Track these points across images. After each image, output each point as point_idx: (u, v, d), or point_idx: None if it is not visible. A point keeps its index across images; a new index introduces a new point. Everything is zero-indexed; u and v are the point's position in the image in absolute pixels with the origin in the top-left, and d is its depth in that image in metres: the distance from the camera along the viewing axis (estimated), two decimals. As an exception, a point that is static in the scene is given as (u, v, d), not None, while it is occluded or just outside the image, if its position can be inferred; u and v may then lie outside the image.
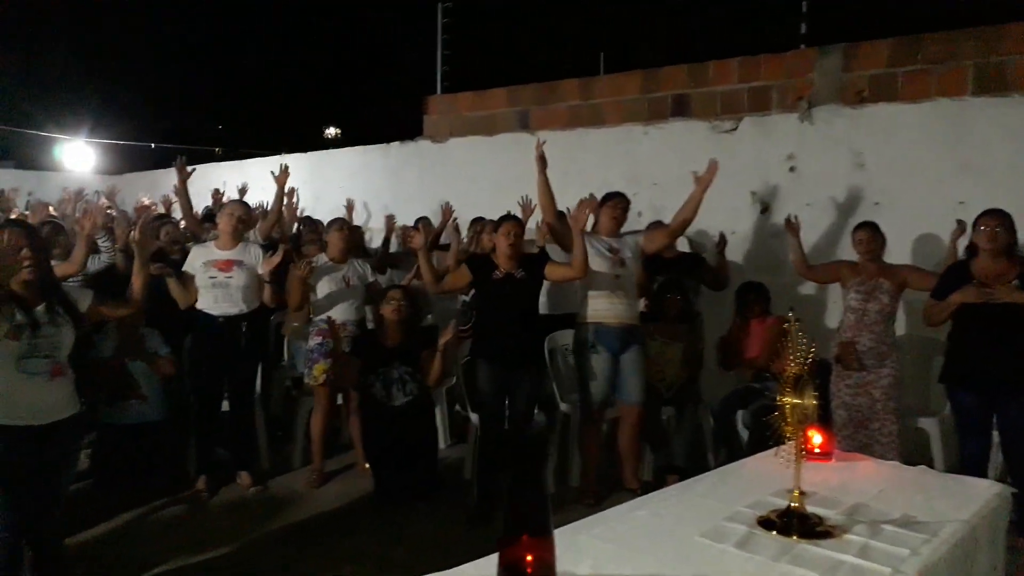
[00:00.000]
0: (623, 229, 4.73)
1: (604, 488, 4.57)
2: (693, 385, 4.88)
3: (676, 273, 5.02)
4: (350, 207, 7.74)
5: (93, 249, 5.48)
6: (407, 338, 4.61)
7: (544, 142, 4.47)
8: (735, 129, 5.85)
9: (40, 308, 2.96)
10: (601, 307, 4.43)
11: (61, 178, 12.68)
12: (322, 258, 4.92)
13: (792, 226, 4.80)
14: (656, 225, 5.03)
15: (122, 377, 4.62)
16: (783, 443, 2.00)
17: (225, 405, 4.78)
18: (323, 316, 4.78)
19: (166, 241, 5.42)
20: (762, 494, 2.10)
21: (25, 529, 2.98)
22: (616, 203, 4.60)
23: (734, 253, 5.62)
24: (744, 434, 4.64)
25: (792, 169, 5.57)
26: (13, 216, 6.71)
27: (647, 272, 4.90)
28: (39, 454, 2.92)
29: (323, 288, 4.80)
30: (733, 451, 4.61)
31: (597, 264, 4.40)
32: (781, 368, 4.51)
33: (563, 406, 4.88)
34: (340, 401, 5.12)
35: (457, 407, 5.03)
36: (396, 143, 8.31)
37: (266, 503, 4.53)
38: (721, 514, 1.99)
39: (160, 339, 4.76)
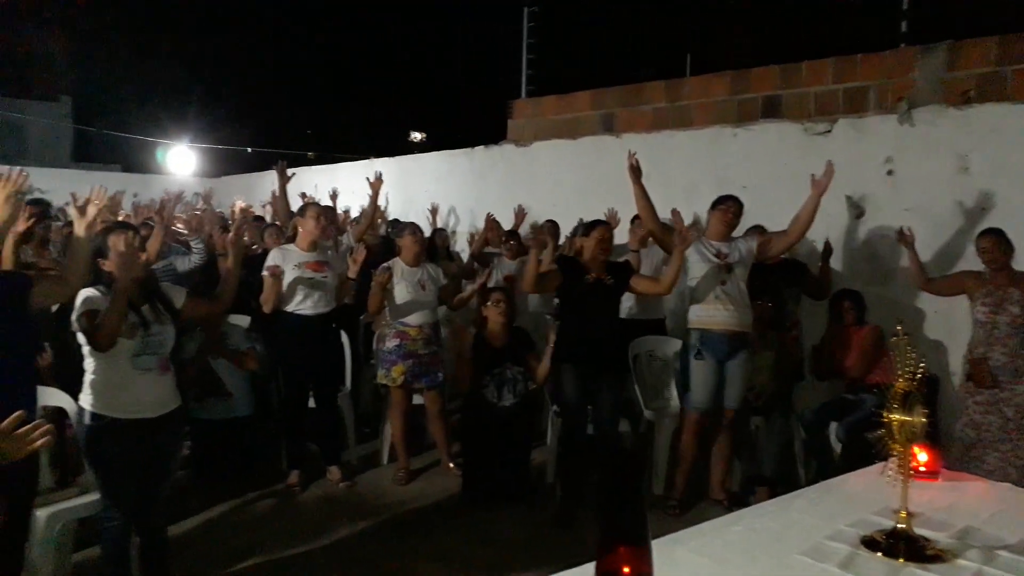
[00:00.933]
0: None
1: (688, 497, 4.50)
2: (784, 394, 4.75)
3: (776, 280, 4.88)
4: (434, 211, 7.88)
5: (186, 248, 5.75)
6: (513, 339, 4.66)
7: (635, 153, 4.45)
8: (829, 131, 5.65)
9: (146, 307, 3.12)
10: (707, 313, 4.37)
11: (164, 181, 13.33)
12: (397, 261, 5.00)
13: (906, 238, 4.59)
14: (756, 230, 4.90)
15: (207, 376, 4.80)
16: (884, 459, 1.93)
17: (312, 402, 4.93)
18: (400, 318, 4.88)
19: (271, 243, 5.60)
20: (864, 513, 2.03)
21: (135, 517, 3.15)
22: (728, 207, 4.48)
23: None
24: (837, 447, 4.49)
25: (890, 173, 5.35)
26: (120, 218, 7.09)
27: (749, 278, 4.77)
28: (149, 445, 3.09)
29: (399, 292, 4.88)
30: (825, 464, 4.47)
31: (702, 269, 4.35)
32: (877, 380, 4.36)
33: (647, 413, 4.83)
34: (422, 401, 5.21)
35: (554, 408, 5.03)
36: (480, 147, 8.39)
37: (355, 499, 4.64)
38: (821, 532, 1.93)
39: (243, 335, 4.92)
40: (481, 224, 7.31)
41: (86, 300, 2.98)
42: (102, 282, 3.01)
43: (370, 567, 3.81)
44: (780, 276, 4.97)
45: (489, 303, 4.66)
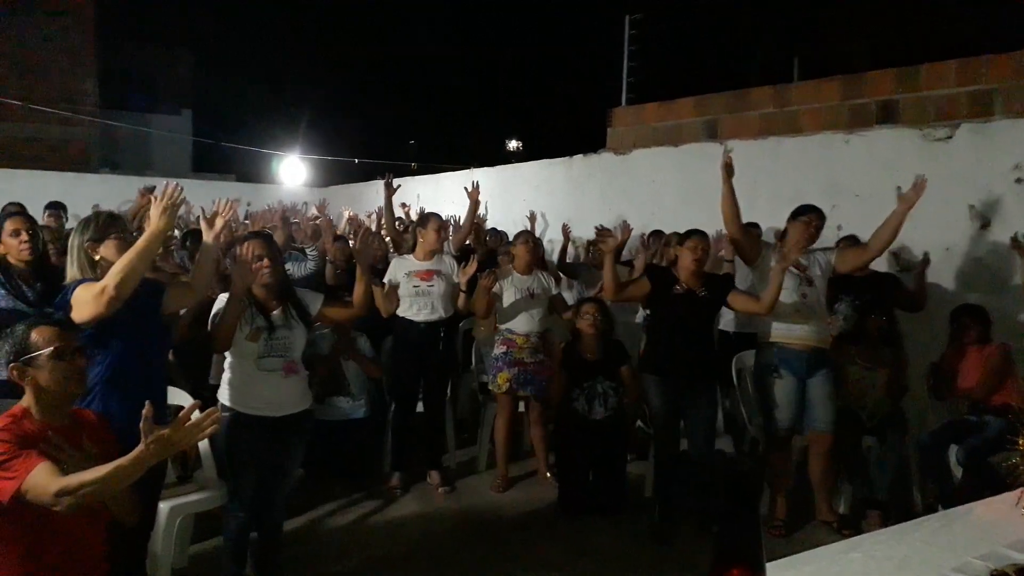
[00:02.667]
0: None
1: (795, 518, 4.34)
2: (898, 413, 4.52)
3: (866, 293, 4.66)
4: (532, 219, 7.91)
5: (300, 255, 6.00)
6: (606, 352, 4.62)
7: (731, 150, 4.32)
8: (950, 137, 5.36)
9: (277, 312, 3.29)
10: (785, 328, 4.21)
11: (276, 190, 13.94)
12: (509, 269, 5.06)
13: (1020, 245, 4.32)
14: (849, 241, 4.69)
15: (336, 375, 4.99)
16: (1015, 488, 1.81)
17: (419, 407, 5.04)
18: (507, 326, 4.92)
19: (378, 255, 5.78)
20: (995, 545, 1.90)
21: (255, 510, 3.31)
22: (810, 219, 4.29)
23: (947, 272, 5.15)
24: (957, 471, 4.23)
25: (1019, 181, 5.02)
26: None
27: (832, 292, 4.57)
28: (271, 443, 3.25)
29: (508, 298, 4.92)
30: (943, 489, 4.22)
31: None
32: (1003, 401, 4.08)
33: (751, 429, 4.69)
34: (522, 409, 5.24)
35: (639, 423, 4.97)
36: (579, 156, 8.38)
37: (453, 504, 4.71)
38: (947, 564, 1.83)
39: (368, 342, 5.09)
40: (579, 233, 7.30)
41: (220, 302, 3.19)
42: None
43: (468, 574, 3.85)
44: (870, 289, 4.74)
45: (581, 315, 4.63)
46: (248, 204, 11.47)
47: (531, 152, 21.31)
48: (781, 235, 4.58)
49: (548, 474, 4.98)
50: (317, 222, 6.91)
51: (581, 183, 8.28)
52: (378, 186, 12.60)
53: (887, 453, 4.40)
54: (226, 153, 15.61)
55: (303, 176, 14.82)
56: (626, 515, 4.44)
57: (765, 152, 6.35)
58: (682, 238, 4.34)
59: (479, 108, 28.33)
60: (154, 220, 2.68)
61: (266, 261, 3.23)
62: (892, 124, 5.76)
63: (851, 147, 5.90)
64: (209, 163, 18.05)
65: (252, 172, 16.40)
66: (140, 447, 2.00)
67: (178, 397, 3.50)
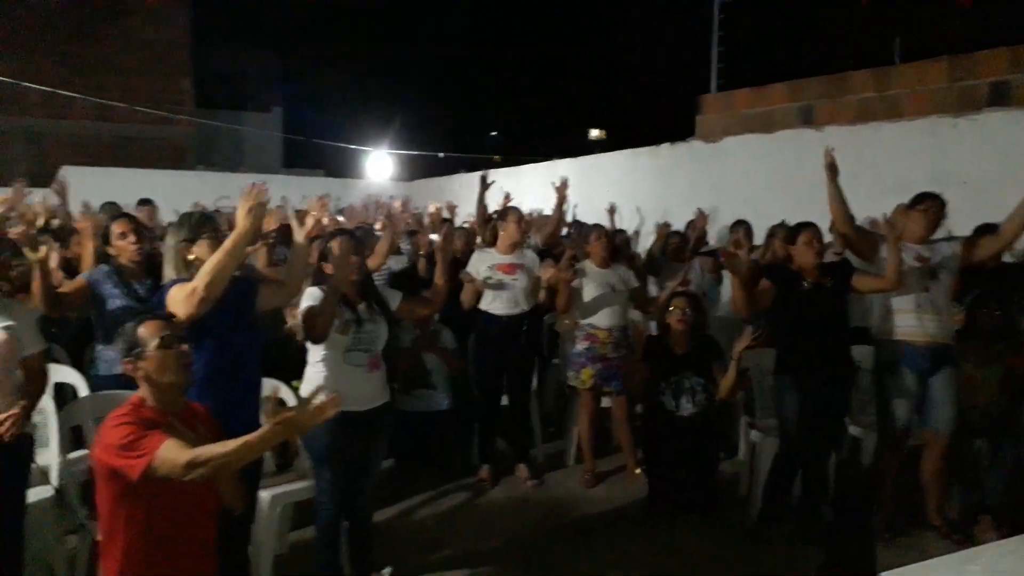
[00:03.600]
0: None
1: (902, 522, 4.14)
2: (1014, 414, 4.25)
3: (998, 286, 4.38)
4: (612, 212, 7.78)
5: (395, 251, 6.10)
6: (696, 347, 4.50)
7: (833, 149, 4.14)
8: (1071, 118, 5.01)
9: (362, 306, 3.36)
10: (906, 323, 4.00)
11: (363, 185, 14.24)
12: (587, 263, 4.99)
13: None
14: (985, 230, 4.41)
15: (419, 367, 5.06)
16: None
17: (504, 400, 5.05)
18: (589, 320, 4.88)
19: (461, 245, 5.82)
20: None
21: (345, 503, 3.39)
22: (928, 205, 4.06)
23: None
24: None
25: None
26: (325, 220, 7.65)
27: (961, 284, 4.31)
28: (358, 437, 3.31)
29: (588, 293, 4.86)
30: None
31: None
32: None
33: (853, 429, 4.49)
34: (607, 404, 5.19)
35: (745, 419, 4.82)
36: (666, 144, 8.23)
37: (542, 498, 4.70)
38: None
39: (451, 335, 5.14)
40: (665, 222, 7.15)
41: (309, 295, 3.26)
42: (324, 282, 3.26)
43: (556, 569, 3.84)
44: (1003, 282, 4.45)
45: (670, 308, 4.53)
46: (337, 199, 11.77)
47: (614, 142, 21.08)
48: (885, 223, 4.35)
49: (637, 470, 4.91)
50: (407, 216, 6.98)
51: (668, 173, 8.13)
52: (462, 179, 12.73)
53: (1000, 456, 4.15)
54: (315, 149, 16.05)
55: (390, 171, 15.06)
56: (719, 514, 4.34)
57: (864, 139, 6.10)
58: (793, 233, 4.17)
59: (561, 98, 28.19)
60: (240, 220, 2.76)
61: (355, 259, 3.30)
62: (1004, 106, 5.43)
63: (959, 131, 5.59)
64: (299, 159, 18.59)
65: (340, 167, 16.80)
66: (267, 426, 2.07)
67: (269, 386, 3.60)
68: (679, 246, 6.18)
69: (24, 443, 2.87)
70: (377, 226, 7.71)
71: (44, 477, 3.23)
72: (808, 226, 4.10)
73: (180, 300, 2.73)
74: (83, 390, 3.92)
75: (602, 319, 4.84)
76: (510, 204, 5.68)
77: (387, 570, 3.58)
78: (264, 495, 3.38)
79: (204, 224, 2.98)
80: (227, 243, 2.74)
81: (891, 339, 4.06)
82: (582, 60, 28.06)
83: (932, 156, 5.66)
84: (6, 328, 2.79)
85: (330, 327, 3.24)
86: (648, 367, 4.49)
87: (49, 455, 3.41)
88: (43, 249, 3.47)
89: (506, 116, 28.70)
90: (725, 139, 7.49)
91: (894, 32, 9.07)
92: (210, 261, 2.73)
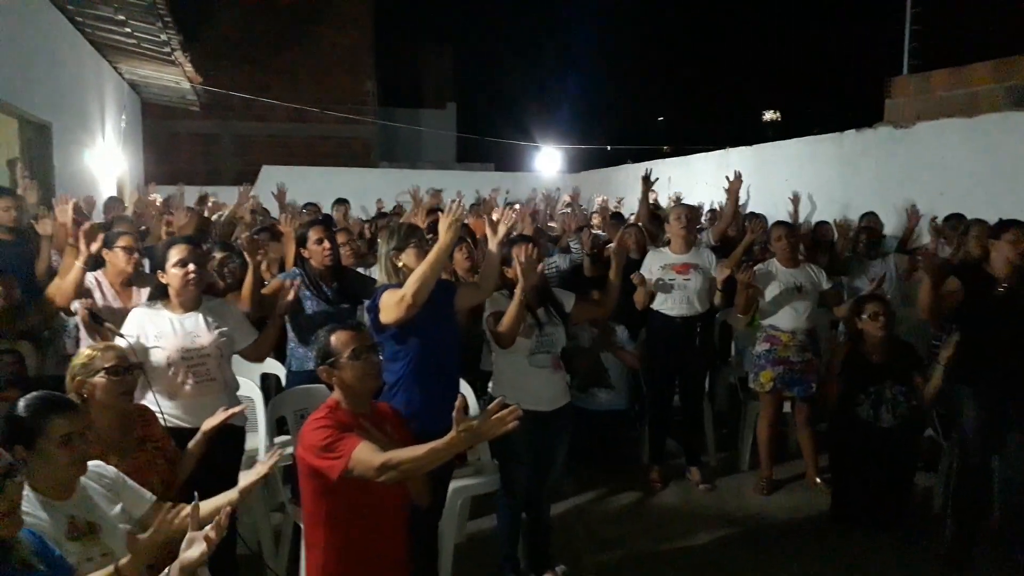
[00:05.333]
0: None
1: None
2: None
3: None
4: (795, 201, 7.42)
5: (564, 249, 6.19)
6: (895, 354, 4.23)
7: None
8: None
9: (540, 310, 3.48)
10: None
11: (532, 178, 14.50)
12: (773, 262, 4.81)
13: None
14: None
15: (597, 367, 5.11)
16: None
17: (675, 400, 5.00)
18: (770, 322, 4.70)
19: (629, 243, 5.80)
20: None
21: (526, 498, 3.54)
22: None
23: None
24: None
25: None
26: (494, 216, 7.86)
27: None
28: (543, 436, 3.46)
29: (771, 293, 4.69)
30: None
31: None
32: None
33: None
34: (787, 409, 5.00)
35: (929, 431, 4.51)
36: (851, 131, 7.71)
37: (714, 503, 4.62)
38: None
39: (627, 334, 5.14)
40: (850, 215, 6.74)
41: (494, 302, 3.41)
42: (506, 287, 3.41)
43: (729, 578, 3.78)
44: None
45: (865, 315, 4.24)
46: (507, 192, 12.08)
47: (789, 126, 20.03)
48: None
49: (818, 479, 4.71)
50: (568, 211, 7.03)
51: (853, 161, 7.62)
52: (628, 170, 12.63)
53: None
54: (486, 142, 16.50)
55: (558, 164, 15.22)
56: (910, 532, 4.07)
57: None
58: (996, 230, 3.82)
59: (733, 78, 27.08)
60: (442, 234, 2.94)
61: (540, 266, 3.42)
62: None
63: None
64: (471, 153, 19.19)
65: (510, 160, 17.19)
66: (452, 434, 2.20)
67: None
68: (871, 242, 5.75)
69: (238, 433, 3.25)
70: (552, 224, 7.85)
71: (251, 461, 3.60)
72: (1014, 224, 3.73)
73: (391, 305, 2.96)
74: (284, 381, 4.32)
75: (785, 321, 4.66)
76: (677, 199, 5.58)
77: (560, 568, 3.67)
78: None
79: (411, 234, 3.20)
80: (431, 255, 2.94)
81: None
82: (755, 38, 26.81)
83: None
84: (221, 333, 3.15)
85: (517, 331, 3.38)
86: (846, 379, 4.26)
87: (257, 440, 3.80)
88: (261, 254, 3.86)
89: (674, 98, 28.03)
90: (918, 124, 6.90)
91: None
92: (417, 271, 2.94)
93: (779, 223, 5.14)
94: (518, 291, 3.26)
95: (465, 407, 2.24)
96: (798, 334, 4.66)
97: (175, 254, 3.10)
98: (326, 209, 8.06)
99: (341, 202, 8.31)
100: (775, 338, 4.67)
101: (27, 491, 1.96)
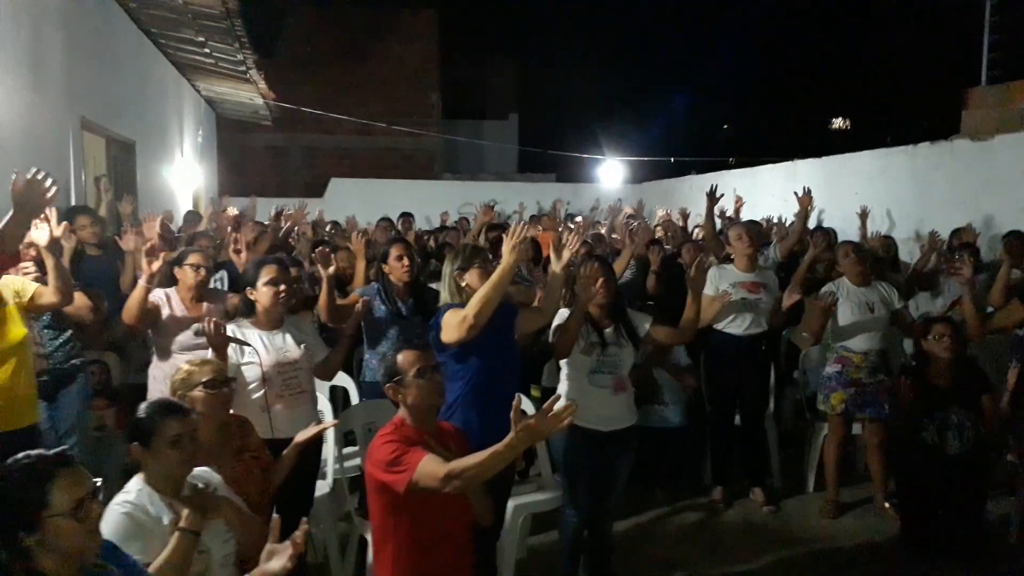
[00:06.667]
0: None
1: None
2: None
3: None
4: (864, 216, 7.23)
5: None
6: (963, 378, 4.11)
7: None
8: None
9: (609, 330, 3.50)
10: None
11: (593, 189, 14.48)
12: (843, 281, 4.72)
13: None
14: None
15: (649, 383, 5.09)
16: None
17: (737, 419, 4.94)
18: (842, 343, 4.61)
19: (688, 258, 5.77)
20: None
21: (588, 516, 3.56)
22: None
23: None
24: None
25: None
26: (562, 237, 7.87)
27: None
28: (605, 455, 3.47)
29: (842, 313, 4.58)
30: None
31: None
32: None
33: None
34: (856, 431, 4.89)
35: (1008, 456, 4.35)
36: (925, 144, 7.50)
37: (779, 526, 4.55)
38: None
39: (683, 351, 5.11)
40: (922, 231, 6.56)
41: (559, 315, 3.47)
42: (571, 303, 3.45)
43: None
44: None
45: (931, 336, 4.13)
46: (567, 203, 12.11)
47: (859, 137, 19.48)
48: None
49: (886, 504, 4.59)
50: (633, 226, 6.97)
51: (927, 175, 7.41)
52: (691, 181, 12.50)
53: None
54: (548, 153, 16.53)
55: (620, 175, 15.14)
56: (984, 561, 3.94)
57: None
58: None
59: (801, 85, 26.49)
60: (505, 256, 3.00)
61: (603, 282, 3.43)
62: None
63: None
64: (533, 164, 19.26)
65: (571, 171, 17.19)
66: (511, 435, 2.25)
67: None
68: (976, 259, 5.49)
69: (316, 445, 3.35)
70: (616, 235, 7.81)
71: (322, 473, 3.72)
72: None
73: (453, 325, 3.03)
74: (353, 393, 4.45)
75: (857, 342, 4.57)
76: (737, 216, 5.51)
77: None
78: (508, 504, 3.61)
79: (475, 256, 3.28)
80: (494, 277, 3.01)
81: None
82: (824, 44, 26.20)
83: None
84: (307, 346, 3.30)
85: (571, 346, 3.40)
86: (911, 403, 4.15)
87: (327, 451, 3.92)
88: (333, 267, 4.00)
89: (741, 108, 27.57)
90: (998, 137, 6.68)
91: None
92: (479, 293, 3.00)
93: (848, 242, 5.06)
94: (575, 307, 3.29)
95: (523, 411, 2.27)
96: (870, 355, 4.56)
97: (266, 273, 3.22)
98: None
99: (405, 215, 8.52)
100: (846, 359, 4.57)
101: (145, 487, 2.29)
